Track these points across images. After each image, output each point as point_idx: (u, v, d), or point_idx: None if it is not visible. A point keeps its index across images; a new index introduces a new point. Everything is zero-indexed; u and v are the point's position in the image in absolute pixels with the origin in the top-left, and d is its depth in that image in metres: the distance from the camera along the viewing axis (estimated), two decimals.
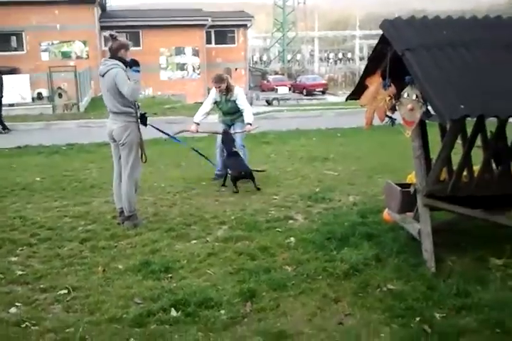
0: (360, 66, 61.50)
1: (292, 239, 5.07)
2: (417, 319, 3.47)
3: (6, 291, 4.01)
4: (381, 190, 6.72)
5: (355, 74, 56.78)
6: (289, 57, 60.85)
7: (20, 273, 4.35)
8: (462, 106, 3.54)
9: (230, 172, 7.20)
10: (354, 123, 15.30)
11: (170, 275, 4.28)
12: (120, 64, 5.32)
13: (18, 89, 20.61)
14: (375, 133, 13.62)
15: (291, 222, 5.72)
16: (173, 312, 3.61)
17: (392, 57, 4.38)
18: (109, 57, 5.38)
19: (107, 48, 5.46)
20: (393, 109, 4.59)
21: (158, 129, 6.39)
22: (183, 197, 6.82)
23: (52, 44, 27.93)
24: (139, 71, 5.36)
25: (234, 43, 33.80)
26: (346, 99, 5.73)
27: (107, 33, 5.37)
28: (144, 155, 5.62)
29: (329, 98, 33.09)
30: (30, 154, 10.37)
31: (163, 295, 3.85)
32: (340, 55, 75.37)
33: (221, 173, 7.59)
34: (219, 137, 7.70)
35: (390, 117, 4.58)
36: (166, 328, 3.43)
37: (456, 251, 4.53)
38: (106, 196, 6.72)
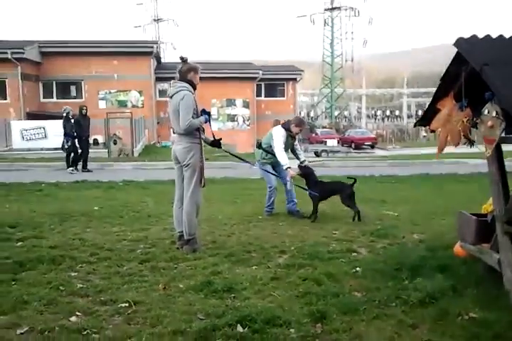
0: (408, 124, 61.54)
1: (358, 268, 4.82)
2: None
3: (67, 301, 3.90)
4: (446, 229, 6.46)
5: (403, 132, 56.62)
6: (336, 113, 61.43)
7: (80, 285, 4.26)
8: None
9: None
10: (408, 172, 15.14)
11: (233, 295, 4.09)
12: (189, 87, 5.37)
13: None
14: (430, 180, 13.41)
15: (354, 254, 5.47)
16: (240, 328, 3.40)
17: (467, 78, 4.27)
18: (179, 80, 5.45)
19: (176, 71, 5.51)
20: (468, 131, 4.42)
21: (232, 154, 6.46)
22: (240, 229, 6.68)
23: (110, 93, 29.09)
24: (208, 118, 5.53)
25: (283, 96, 34.39)
26: (415, 125, 5.61)
27: (180, 55, 5.48)
28: (203, 179, 5.54)
29: (378, 152, 32.81)
30: (88, 188, 10.54)
31: (228, 312, 3.65)
32: (387, 113, 75.71)
33: (271, 210, 7.72)
34: (272, 177, 7.65)
35: (469, 139, 4.39)
36: None
37: None
38: (164, 224, 6.66)
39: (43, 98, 28.90)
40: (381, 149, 35.66)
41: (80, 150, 15.26)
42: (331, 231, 6.55)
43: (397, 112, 75.39)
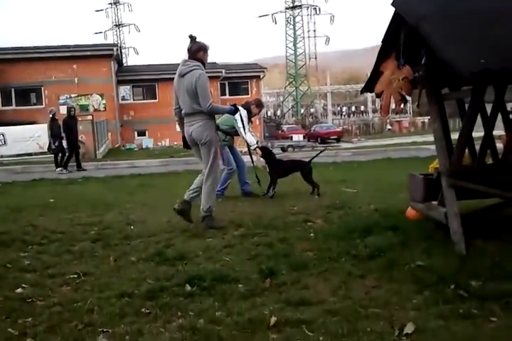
0: (374, 118, 62.24)
1: (312, 234, 4.85)
2: (452, 286, 3.19)
3: (13, 276, 3.82)
4: (402, 201, 6.53)
5: (368, 126, 57.23)
6: (302, 110, 61.71)
7: (28, 262, 4.18)
8: (482, 61, 3.42)
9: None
10: (371, 158, 15.31)
11: (185, 262, 4.06)
12: (201, 66, 5.25)
13: (36, 139, 21.12)
14: (392, 163, 13.58)
15: (310, 223, 5.49)
16: (188, 287, 3.38)
17: (405, 37, 4.34)
18: (189, 58, 5.31)
19: (186, 49, 5.37)
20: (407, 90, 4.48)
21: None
22: (198, 209, 6.63)
23: (71, 97, 28.69)
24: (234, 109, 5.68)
25: (247, 94, 34.41)
26: (361, 92, 5.66)
27: (189, 34, 5.34)
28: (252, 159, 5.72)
29: (344, 145, 33.06)
30: (46, 185, 10.34)
31: (177, 275, 3.64)
32: (353, 108, 76.42)
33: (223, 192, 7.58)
34: (232, 159, 7.67)
35: (404, 97, 4.44)
36: (180, 300, 3.20)
37: (486, 235, 4.25)
38: (120, 210, 6.58)
39: (2, 106, 28.37)
40: (346, 142, 35.93)
41: (68, 151, 15.25)
42: (289, 207, 6.56)
43: (362, 108, 76.13)
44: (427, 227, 4.61)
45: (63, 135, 14.94)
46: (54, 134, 15.05)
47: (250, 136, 7.38)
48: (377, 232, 4.58)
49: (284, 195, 7.68)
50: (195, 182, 5.59)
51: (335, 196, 7.42)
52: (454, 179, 4.24)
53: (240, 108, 7.41)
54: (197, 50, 5.29)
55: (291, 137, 34.74)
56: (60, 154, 15.15)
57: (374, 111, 73.11)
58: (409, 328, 2.63)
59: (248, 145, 7.50)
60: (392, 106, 5.44)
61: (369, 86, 5.13)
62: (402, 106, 4.77)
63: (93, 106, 28.81)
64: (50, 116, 15.30)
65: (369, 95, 74.12)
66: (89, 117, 22.22)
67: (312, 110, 70.14)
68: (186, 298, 3.23)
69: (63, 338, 2.68)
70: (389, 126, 51.02)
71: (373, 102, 75.62)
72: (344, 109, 78.67)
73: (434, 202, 4.69)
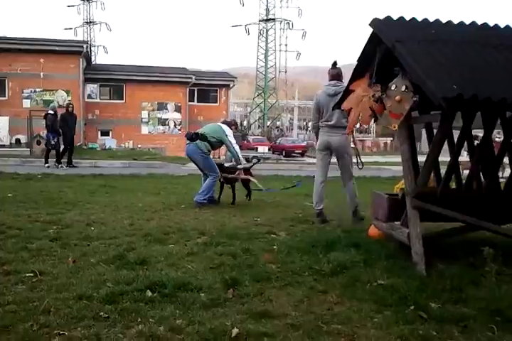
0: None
1: (275, 247, 4.84)
2: (412, 307, 3.23)
3: None
4: (365, 219, 6.61)
5: None
6: (268, 123, 62.00)
7: None
8: (455, 87, 3.51)
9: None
10: (334, 175, 15.44)
11: (145, 267, 3.99)
12: None
13: None
14: (355, 181, 13.73)
15: (273, 236, 5.49)
16: (149, 293, 3.32)
17: (380, 57, 4.42)
18: (337, 80, 6.31)
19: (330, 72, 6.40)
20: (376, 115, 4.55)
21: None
22: (161, 214, 6.56)
23: (35, 92, 28.01)
24: None
25: (216, 102, 34.34)
26: (333, 108, 5.73)
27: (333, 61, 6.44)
28: (360, 161, 6.27)
29: (308, 160, 33.35)
30: (5, 179, 10.04)
31: (138, 280, 3.56)
32: None
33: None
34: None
35: (375, 114, 4.50)
36: (141, 305, 3.13)
37: (447, 257, 4.34)
38: (81, 210, 6.44)
39: None
40: (311, 157, 36.23)
41: (62, 147, 15.37)
42: (253, 218, 6.55)
43: None
44: (389, 246, 4.67)
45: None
46: (54, 130, 15.13)
47: (240, 152, 7.84)
48: (340, 249, 4.60)
49: (247, 206, 7.68)
50: (317, 193, 6.66)
51: (298, 210, 7.46)
52: (419, 201, 4.32)
53: (225, 125, 7.66)
54: (341, 74, 6.36)
55: (257, 148, 34.80)
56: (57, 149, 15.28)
57: None
58: None
59: (236, 161, 7.80)
60: (357, 125, 5.65)
61: (339, 103, 5.21)
62: (368, 124, 4.87)
63: (58, 102, 28.18)
64: (51, 112, 15.47)
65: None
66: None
67: (278, 123, 70.56)
68: (147, 303, 3.17)
69: (17, 339, 2.57)
70: (352, 145, 51.73)
71: None
72: (310, 124, 79.26)
73: (397, 222, 4.76)
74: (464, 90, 3.53)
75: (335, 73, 6.35)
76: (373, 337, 2.79)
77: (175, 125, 32.40)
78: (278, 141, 40.67)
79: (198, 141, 7.51)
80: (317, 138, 6.65)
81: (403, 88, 4.08)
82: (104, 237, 5.00)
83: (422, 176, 4.44)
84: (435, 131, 4.48)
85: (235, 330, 2.74)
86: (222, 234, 5.32)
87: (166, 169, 15.73)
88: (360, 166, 6.24)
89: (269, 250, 4.65)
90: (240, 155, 7.83)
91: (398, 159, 4.89)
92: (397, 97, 4.12)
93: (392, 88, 4.16)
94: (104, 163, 17.18)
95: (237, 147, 7.77)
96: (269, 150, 36.47)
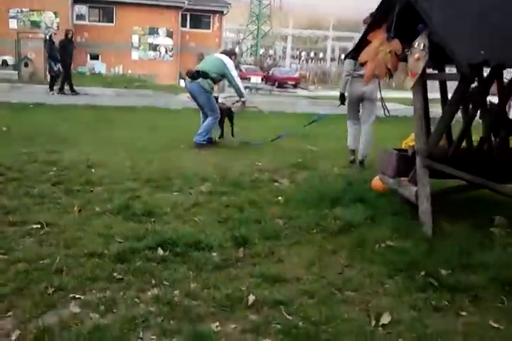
0: (331, 67, 61.91)
1: (280, 198, 4.81)
2: (422, 273, 3.25)
3: None
4: (367, 164, 6.59)
5: (326, 74, 56.89)
6: (261, 51, 60.52)
7: None
8: (482, 52, 3.33)
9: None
10: (328, 111, 15.28)
11: (153, 219, 3.96)
12: None
13: None
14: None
15: (276, 184, 5.45)
16: (160, 251, 3.29)
17: (400, 10, 4.17)
18: None
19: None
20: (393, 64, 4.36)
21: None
22: (160, 156, 6.45)
23: (22, 12, 26.77)
24: None
25: (209, 29, 33.15)
26: (345, 58, 5.51)
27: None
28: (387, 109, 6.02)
29: (300, 92, 32.84)
30: None
31: (148, 236, 3.53)
32: (312, 54, 75.63)
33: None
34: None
35: (390, 70, 4.32)
36: (153, 265, 3.11)
37: (454, 218, 4.33)
38: (79, 148, 6.31)
39: None
40: (303, 89, 35.70)
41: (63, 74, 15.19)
42: (254, 162, 6.48)
43: (321, 55, 75.39)
44: (394, 202, 4.65)
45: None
46: (53, 57, 14.92)
47: (242, 86, 7.68)
48: (346, 204, 4.58)
49: (247, 148, 7.58)
50: (352, 134, 6.76)
51: (298, 154, 7.38)
52: (430, 160, 4.25)
53: (227, 56, 7.34)
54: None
55: (250, 78, 34.05)
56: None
57: (332, 59, 72.61)
58: (385, 319, 2.67)
59: (239, 95, 7.66)
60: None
61: (354, 51, 4.98)
62: (382, 79, 4.70)
63: (45, 23, 27.05)
64: (48, 37, 15.25)
65: (329, 43, 73.56)
66: (41, 35, 20.90)
67: (271, 52, 68.94)
68: (159, 263, 3.15)
69: (34, 303, 2.55)
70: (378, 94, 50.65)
71: (333, 51, 74.98)
72: (303, 53, 77.73)
73: (404, 178, 4.71)
74: (492, 56, 3.35)
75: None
76: (387, 307, 2.81)
77: (166, 51, 31.46)
78: (271, 72, 39.79)
79: (200, 80, 7.27)
80: (344, 87, 6.71)
81: (422, 46, 3.88)
82: (106, 182, 4.93)
83: (434, 135, 4.34)
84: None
85: (252, 297, 2.74)
86: (225, 181, 5.28)
87: (159, 99, 15.45)
88: (388, 113, 6.11)
89: (275, 202, 4.62)
90: (242, 89, 7.68)
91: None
92: (416, 55, 3.92)
93: (415, 45, 3.96)
94: (95, 90, 16.77)
95: (238, 80, 7.54)
96: (262, 80, 35.80)
